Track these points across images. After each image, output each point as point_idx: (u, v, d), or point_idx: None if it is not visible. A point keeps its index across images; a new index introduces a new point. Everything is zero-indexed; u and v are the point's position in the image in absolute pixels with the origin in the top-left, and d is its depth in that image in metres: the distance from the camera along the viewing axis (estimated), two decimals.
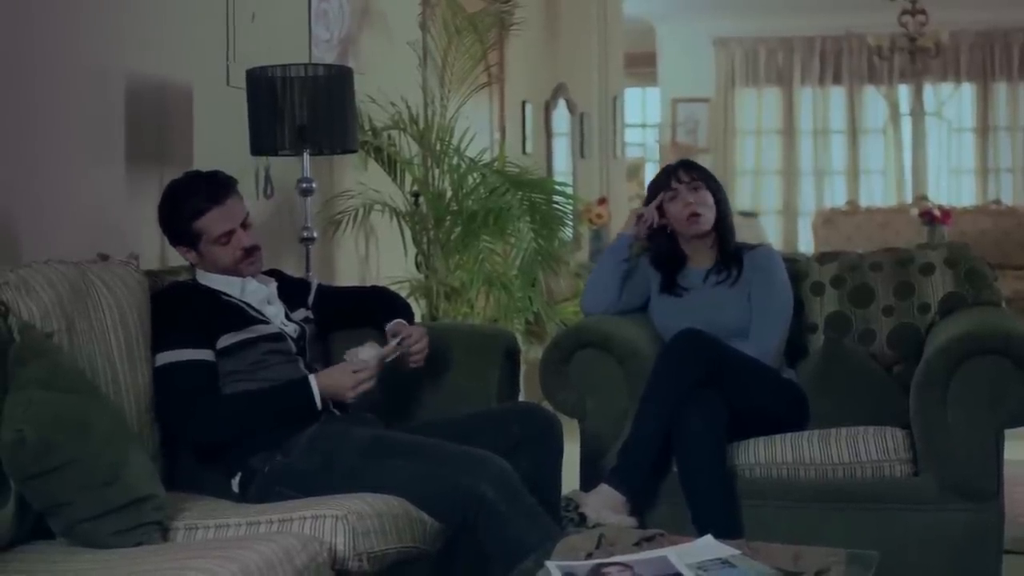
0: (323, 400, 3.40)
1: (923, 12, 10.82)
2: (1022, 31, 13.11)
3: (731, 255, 4.25)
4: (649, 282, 4.31)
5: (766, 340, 4.10)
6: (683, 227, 4.23)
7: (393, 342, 3.53)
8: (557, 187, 5.49)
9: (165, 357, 3.36)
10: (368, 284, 5.51)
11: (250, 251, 3.53)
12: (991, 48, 13.28)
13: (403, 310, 3.79)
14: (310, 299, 3.76)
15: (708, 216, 4.20)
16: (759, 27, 13.53)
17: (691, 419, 3.74)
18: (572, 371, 4.04)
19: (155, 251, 4.08)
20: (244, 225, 3.53)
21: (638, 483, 3.77)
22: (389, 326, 3.68)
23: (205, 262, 3.53)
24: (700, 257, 4.28)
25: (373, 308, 3.80)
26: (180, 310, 3.44)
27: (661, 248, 4.30)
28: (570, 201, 5.56)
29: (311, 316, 3.71)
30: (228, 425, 3.37)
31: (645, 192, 4.42)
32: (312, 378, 3.41)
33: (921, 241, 10.43)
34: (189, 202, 3.48)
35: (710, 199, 4.21)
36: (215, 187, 3.50)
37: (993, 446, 3.72)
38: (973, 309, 4.21)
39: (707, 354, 3.86)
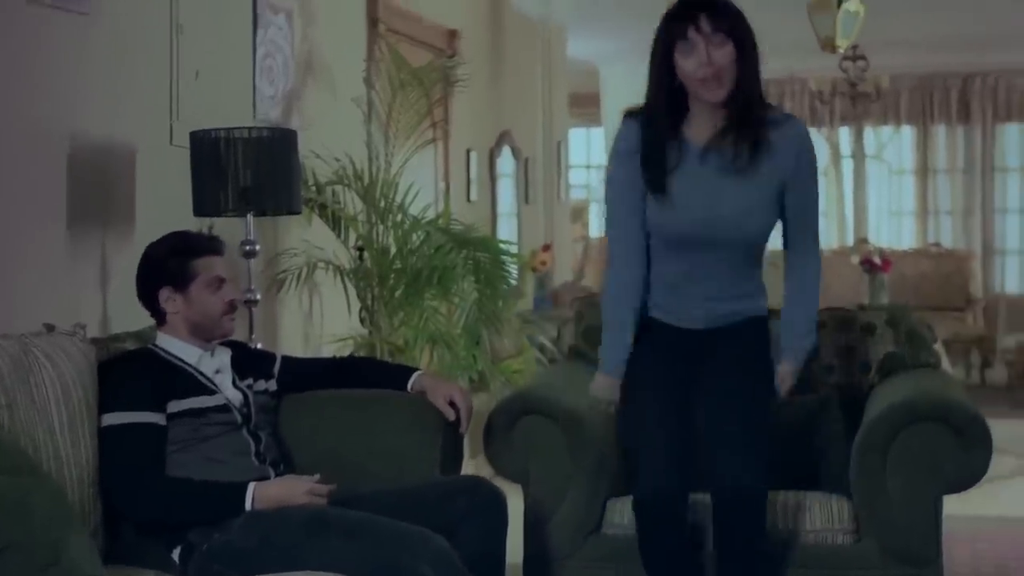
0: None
1: (863, 58, 10.96)
2: (959, 76, 13.30)
3: (748, 123, 3.35)
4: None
5: (812, 267, 3.58)
6: (694, 88, 3.37)
7: None
8: (502, 245, 5.48)
9: (114, 418, 3.34)
10: (311, 342, 5.51)
11: (234, 305, 3.59)
12: (930, 92, 13.45)
13: (396, 368, 4.06)
14: (275, 369, 3.77)
15: (728, 82, 3.35)
16: None
17: None
18: (516, 437, 4.02)
19: (97, 317, 4.05)
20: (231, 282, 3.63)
21: None
22: (415, 381, 3.80)
23: (187, 311, 3.52)
24: (702, 122, 3.41)
25: (355, 370, 3.92)
26: (132, 372, 3.44)
27: (654, 133, 3.43)
28: (514, 259, 5.56)
29: (272, 388, 3.73)
30: (165, 510, 3.32)
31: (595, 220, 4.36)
32: (252, 486, 3.33)
33: (862, 286, 10.55)
34: (193, 242, 3.59)
35: (733, 56, 3.33)
36: (217, 242, 3.65)
37: (932, 512, 3.76)
38: (912, 372, 4.26)
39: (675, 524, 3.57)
